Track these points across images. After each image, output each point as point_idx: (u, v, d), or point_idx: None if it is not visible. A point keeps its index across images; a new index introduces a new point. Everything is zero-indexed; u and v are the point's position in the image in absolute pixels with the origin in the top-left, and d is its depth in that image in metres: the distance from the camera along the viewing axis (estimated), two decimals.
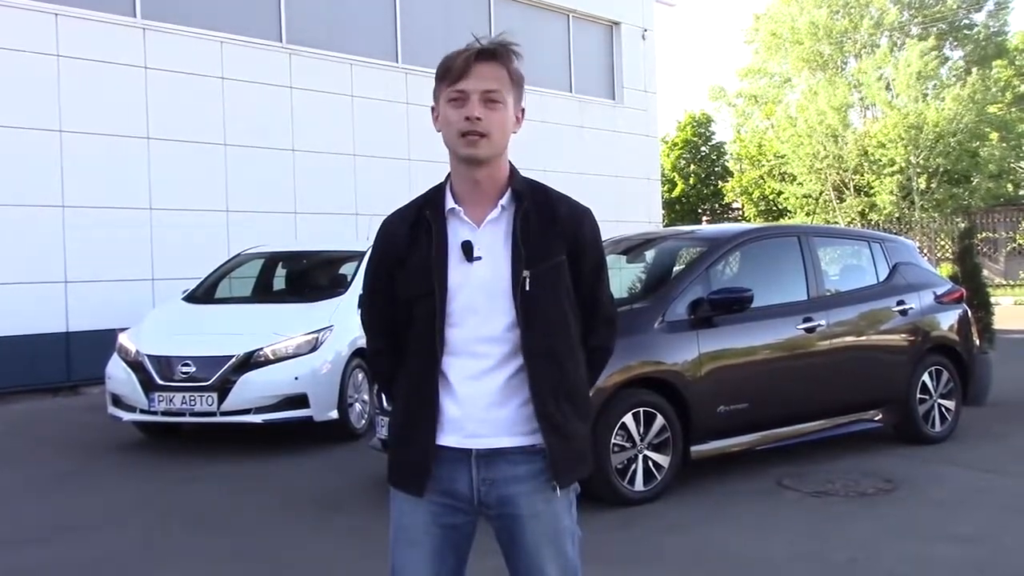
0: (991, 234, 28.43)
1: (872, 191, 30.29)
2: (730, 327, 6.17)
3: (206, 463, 7.30)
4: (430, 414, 2.25)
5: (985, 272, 10.42)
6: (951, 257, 16.34)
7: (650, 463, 5.76)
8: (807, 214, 32.41)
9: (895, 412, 7.07)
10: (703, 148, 39.29)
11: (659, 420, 5.78)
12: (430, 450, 2.25)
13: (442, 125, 2.27)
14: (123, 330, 8.34)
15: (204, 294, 9.13)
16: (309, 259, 10.09)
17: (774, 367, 6.39)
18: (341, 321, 7.90)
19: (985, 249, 27.49)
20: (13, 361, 11.00)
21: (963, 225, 21.35)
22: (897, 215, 29.42)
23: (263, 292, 9.44)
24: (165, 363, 7.54)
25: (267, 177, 13.63)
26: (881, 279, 7.35)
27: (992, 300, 9.64)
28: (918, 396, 7.15)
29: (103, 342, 9.41)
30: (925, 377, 7.21)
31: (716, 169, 39.01)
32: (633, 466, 5.69)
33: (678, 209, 37.37)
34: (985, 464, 6.59)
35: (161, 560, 4.99)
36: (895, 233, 22.15)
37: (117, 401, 7.86)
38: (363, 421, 8.10)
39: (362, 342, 2.83)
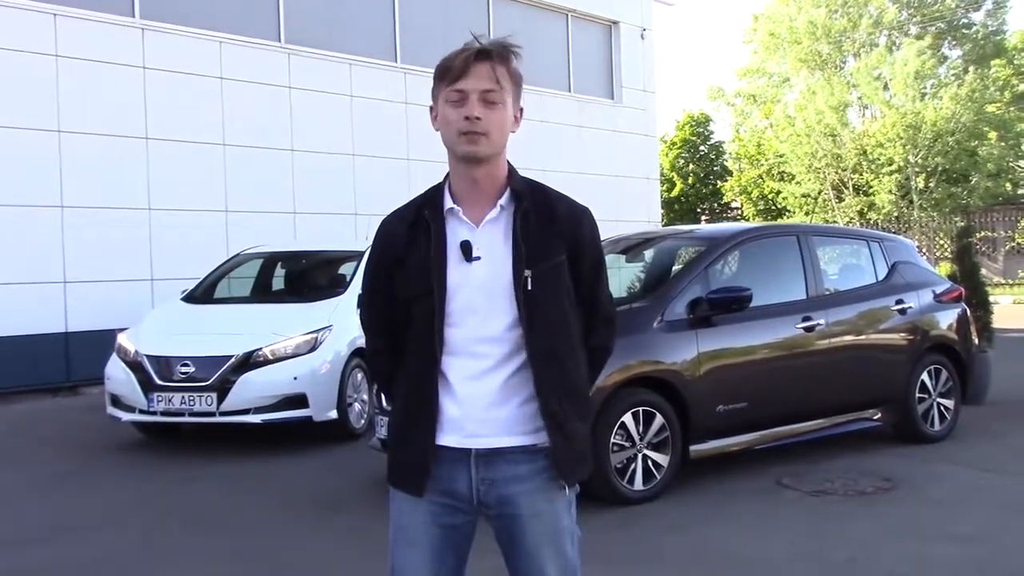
0: (990, 233, 28.45)
1: (871, 190, 30.31)
2: (729, 326, 6.17)
3: (205, 463, 7.30)
4: (429, 414, 2.25)
5: (984, 271, 10.41)
6: (950, 256, 16.34)
7: (649, 462, 5.76)
8: (806, 213, 32.43)
9: (894, 411, 7.07)
10: (702, 148, 39.32)
11: (658, 419, 5.78)
12: (429, 450, 2.25)
13: (441, 124, 2.27)
14: (122, 330, 8.34)
15: (203, 294, 9.13)
16: (308, 259, 10.09)
17: (773, 366, 6.40)
18: (340, 321, 7.90)
19: (984, 248, 27.51)
20: (13, 361, 11.00)
21: (961, 224, 21.34)
22: (896, 214, 29.44)
23: (262, 292, 9.44)
24: (164, 363, 7.54)
25: (266, 177, 13.63)
26: (880, 278, 7.35)
27: (991, 299, 9.64)
28: (917, 395, 7.16)
29: (102, 342, 9.41)
30: (924, 376, 7.21)
31: (715, 168, 39.04)
32: (632, 465, 5.70)
33: (677, 209, 37.39)
34: (984, 463, 6.59)
35: (161, 560, 4.99)
36: (894, 232, 22.15)
37: (116, 401, 7.86)
38: (362, 421, 8.10)
39: (361, 342, 2.83)
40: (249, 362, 7.49)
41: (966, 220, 25.91)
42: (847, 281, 7.47)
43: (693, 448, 5.98)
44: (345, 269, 9.16)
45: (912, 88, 28.64)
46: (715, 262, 6.51)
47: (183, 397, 7.41)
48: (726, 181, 37.83)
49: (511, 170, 2.33)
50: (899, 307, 7.20)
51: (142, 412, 7.60)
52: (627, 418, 5.66)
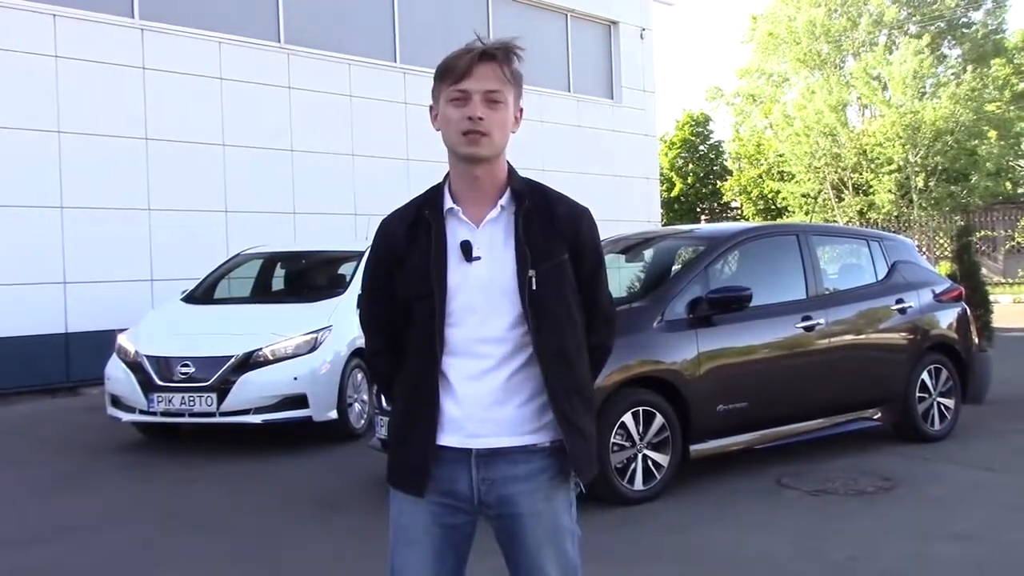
0: (990, 232, 28.45)
1: (871, 190, 30.32)
2: (729, 326, 6.17)
3: (205, 463, 7.30)
4: (430, 414, 2.25)
5: (984, 270, 10.41)
6: (950, 255, 16.36)
7: (649, 462, 5.76)
8: (806, 213, 32.44)
9: (894, 411, 7.07)
10: (701, 147, 39.33)
11: (658, 419, 5.78)
12: (430, 450, 2.25)
13: (442, 124, 2.27)
14: (122, 331, 8.34)
15: (203, 294, 9.13)
16: (308, 259, 10.09)
17: (773, 366, 6.39)
18: (340, 321, 7.90)
19: (984, 247, 27.52)
20: (12, 362, 11.00)
21: (961, 223, 21.35)
22: (896, 214, 29.44)
23: (262, 292, 9.44)
24: (164, 364, 7.54)
25: (266, 177, 13.63)
26: (880, 278, 7.35)
27: (991, 298, 9.64)
28: (917, 394, 7.15)
29: (102, 343, 9.41)
30: (924, 375, 7.21)
31: (715, 168, 39.05)
32: (632, 465, 5.69)
33: (677, 208, 37.41)
34: (984, 462, 6.59)
35: (161, 560, 4.99)
36: (894, 232, 22.15)
37: (116, 402, 7.86)
38: (362, 421, 8.10)
39: (361, 342, 2.83)
40: (249, 362, 7.49)
41: (966, 219, 25.92)
42: (847, 280, 7.47)
43: (693, 448, 5.98)
44: (345, 269, 9.16)
45: (910, 88, 28.65)
46: (715, 262, 6.51)
47: (183, 397, 7.41)
48: (726, 181, 37.85)
49: (511, 170, 2.33)
50: (899, 306, 7.20)
51: (142, 412, 7.60)
52: (627, 418, 5.66)
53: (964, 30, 32.11)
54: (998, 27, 31.93)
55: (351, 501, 6.05)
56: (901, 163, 29.08)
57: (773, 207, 35.51)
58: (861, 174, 30.57)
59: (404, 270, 2.28)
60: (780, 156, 33.01)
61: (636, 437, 5.70)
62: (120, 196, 12.13)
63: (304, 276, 9.85)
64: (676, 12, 65.65)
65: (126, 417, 7.78)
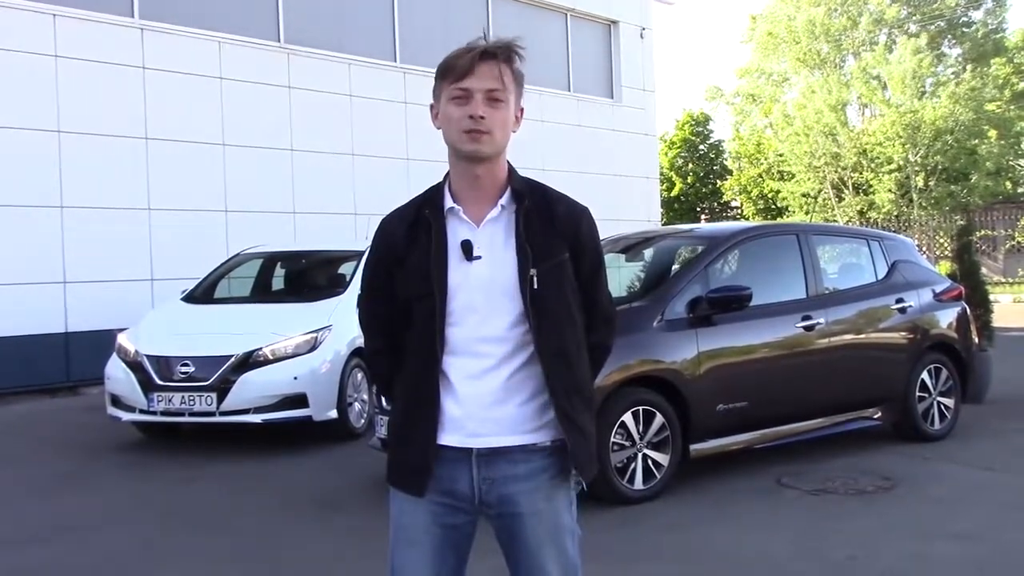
0: (990, 232, 28.46)
1: (871, 189, 30.32)
2: (729, 325, 6.17)
3: (205, 463, 7.30)
4: (431, 414, 2.25)
5: (984, 270, 10.41)
6: (950, 255, 16.35)
7: (649, 462, 5.76)
8: (806, 212, 32.45)
9: (894, 410, 7.07)
10: (701, 147, 39.32)
11: (658, 419, 5.78)
12: (431, 450, 2.25)
13: (443, 122, 2.27)
14: (122, 330, 8.34)
15: (203, 294, 9.13)
16: (308, 259, 10.09)
17: (773, 365, 6.39)
18: (340, 321, 7.89)
19: (984, 247, 27.54)
20: (12, 362, 11.00)
21: (962, 223, 21.35)
22: (896, 213, 29.45)
23: (262, 292, 9.44)
24: (164, 363, 7.54)
25: (265, 177, 13.63)
26: (880, 277, 7.35)
27: (991, 298, 9.64)
28: (917, 394, 7.15)
29: (102, 342, 9.41)
30: (924, 375, 7.21)
31: (715, 168, 39.05)
32: (632, 465, 5.69)
33: (677, 208, 37.41)
34: (984, 462, 6.59)
35: (161, 560, 4.99)
36: (894, 231, 22.16)
37: (116, 401, 7.86)
38: (362, 420, 8.10)
39: (361, 341, 2.82)
40: (249, 362, 7.49)
41: (966, 219, 25.92)
42: (847, 280, 7.47)
43: (693, 447, 5.98)
44: (345, 269, 9.16)
45: (909, 87, 28.65)
46: (715, 261, 6.50)
47: (183, 397, 7.41)
48: (726, 180, 37.85)
49: (511, 170, 2.33)
50: (899, 306, 7.20)
51: (142, 412, 7.60)
52: (627, 417, 5.66)
53: (964, 29, 32.11)
54: (998, 26, 31.94)
55: (351, 501, 6.05)
56: (901, 162, 29.07)
57: (773, 207, 35.51)
58: (861, 173, 30.58)
59: (404, 270, 2.28)
60: (780, 156, 33.01)
61: (636, 436, 5.70)
62: (120, 196, 12.13)
63: (304, 276, 9.85)
64: (676, 11, 65.71)
65: (126, 417, 7.78)
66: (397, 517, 2.35)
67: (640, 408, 5.72)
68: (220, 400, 7.37)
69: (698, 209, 38.78)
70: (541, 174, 2.72)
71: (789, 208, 33.97)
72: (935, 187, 29.24)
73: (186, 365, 7.47)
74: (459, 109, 2.21)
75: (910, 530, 5.08)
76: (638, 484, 5.70)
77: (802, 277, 6.78)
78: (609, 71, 19.76)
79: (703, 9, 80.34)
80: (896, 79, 28.87)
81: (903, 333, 7.20)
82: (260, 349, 7.54)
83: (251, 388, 7.42)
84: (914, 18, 31.82)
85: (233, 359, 7.46)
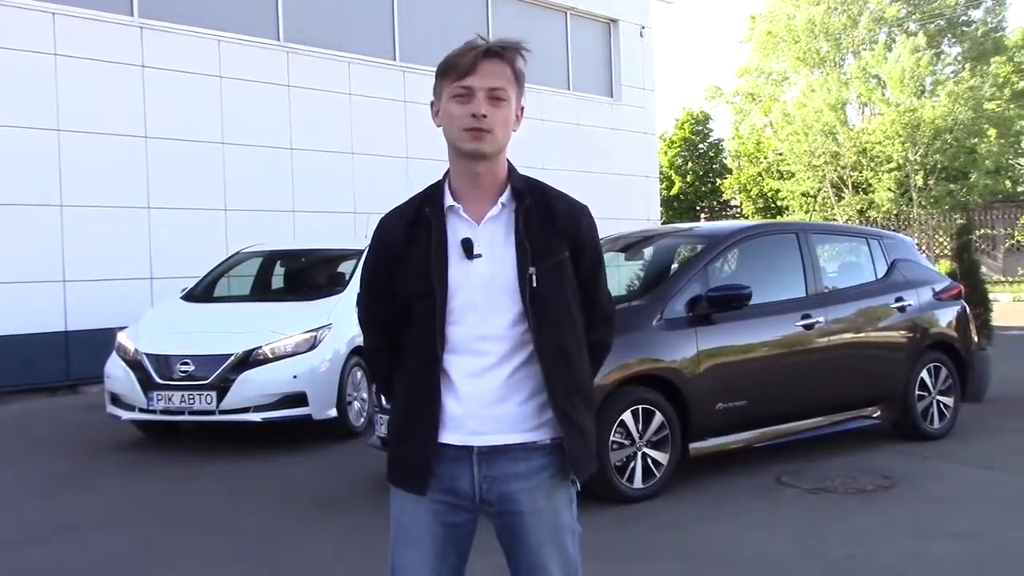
0: (989, 231, 28.47)
1: (870, 188, 30.32)
2: (728, 324, 6.17)
3: (205, 462, 7.30)
4: (431, 412, 2.25)
5: (983, 269, 10.41)
6: (949, 254, 16.35)
7: (649, 460, 5.76)
8: (805, 212, 32.45)
9: (894, 409, 7.07)
10: (701, 146, 39.31)
11: (658, 417, 5.78)
12: (431, 448, 2.25)
13: (443, 120, 2.26)
14: (122, 329, 8.33)
15: (202, 293, 9.13)
16: (307, 257, 10.09)
17: (773, 364, 6.40)
18: (340, 319, 7.89)
19: (983, 246, 27.53)
20: (12, 361, 10.99)
21: (961, 222, 21.35)
22: (895, 212, 29.45)
23: (261, 290, 9.43)
24: (164, 362, 7.54)
25: (265, 175, 13.63)
26: (879, 276, 7.35)
27: (990, 296, 9.64)
28: (917, 393, 7.15)
29: (102, 341, 9.41)
30: (924, 374, 7.21)
31: (714, 167, 39.04)
32: (632, 463, 5.70)
33: (676, 207, 37.40)
34: (984, 460, 6.60)
35: (161, 560, 4.99)
36: (893, 230, 22.16)
37: (116, 400, 7.86)
38: (362, 419, 8.10)
39: (361, 340, 2.82)
40: (249, 360, 7.49)
41: (966, 217, 25.94)
42: (846, 279, 7.47)
43: (693, 446, 5.98)
44: (344, 267, 9.16)
45: (908, 87, 28.65)
46: (714, 260, 6.50)
47: (183, 396, 7.41)
48: (725, 179, 37.84)
49: (511, 168, 2.33)
50: (899, 305, 7.20)
51: (142, 411, 7.60)
52: (627, 416, 5.66)
53: (964, 28, 32.12)
54: (998, 25, 31.97)
55: (351, 500, 6.05)
56: (900, 161, 29.08)
57: (773, 205, 35.51)
58: (861, 172, 30.58)
59: (404, 268, 2.28)
60: (779, 155, 33.01)
61: (636, 435, 5.70)
62: (120, 194, 12.12)
63: (304, 274, 9.85)
64: (676, 10, 65.69)
65: (126, 415, 7.78)
66: (398, 516, 2.34)
67: (640, 407, 5.72)
68: (220, 399, 7.37)
69: (697, 208, 38.78)
70: (541, 173, 2.72)
71: (789, 207, 33.97)
72: (934, 186, 29.25)
73: (186, 364, 7.47)
74: (461, 107, 2.21)
75: (909, 529, 5.08)
76: (638, 483, 5.70)
77: (802, 276, 6.78)
78: (609, 70, 19.76)
79: (703, 8, 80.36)
80: (894, 78, 28.87)
81: (903, 332, 7.20)
82: (260, 348, 7.54)
83: (251, 387, 7.42)
84: (914, 17, 31.82)
85: (233, 358, 7.46)
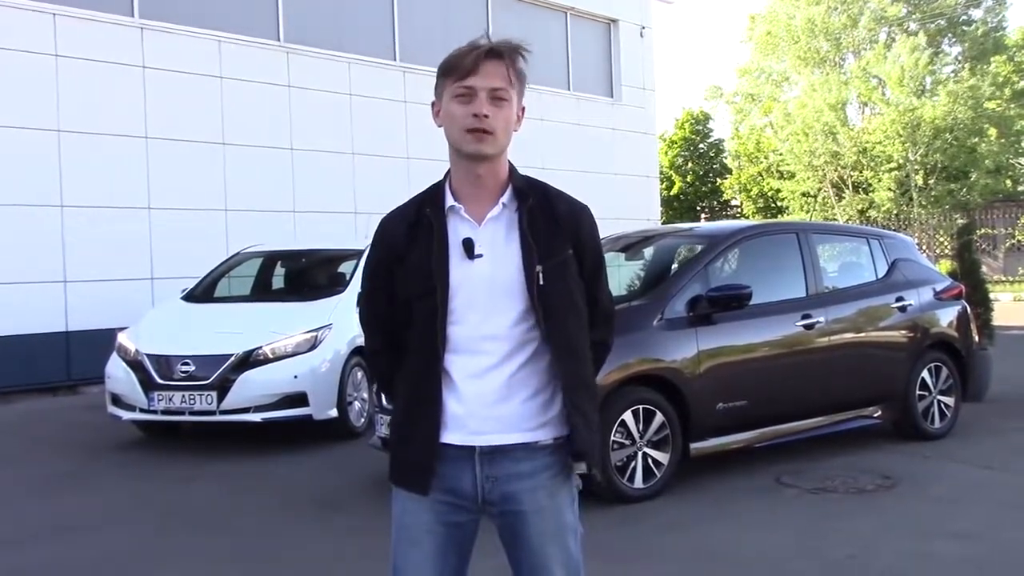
0: (990, 230, 28.47)
1: (870, 188, 30.32)
2: (729, 324, 6.17)
3: (206, 462, 7.30)
4: (433, 412, 2.25)
5: (984, 268, 10.41)
6: (950, 253, 16.36)
7: (649, 460, 5.76)
8: (806, 212, 32.45)
9: (894, 408, 7.07)
10: (701, 146, 39.30)
11: (658, 417, 5.78)
12: (433, 448, 2.25)
13: (445, 120, 2.26)
14: (122, 329, 8.34)
15: (203, 293, 9.13)
16: (308, 258, 10.09)
17: (773, 364, 6.40)
18: (340, 319, 7.90)
19: (984, 245, 27.53)
20: (12, 361, 10.99)
21: (962, 221, 21.35)
22: (896, 212, 29.45)
23: (262, 291, 9.44)
24: (164, 362, 7.54)
25: (265, 176, 13.63)
26: (880, 276, 7.35)
27: (991, 296, 9.64)
28: (917, 392, 7.15)
29: (102, 341, 9.40)
30: (924, 373, 7.21)
31: (714, 166, 39.04)
32: (632, 463, 5.70)
33: (676, 207, 37.40)
34: (984, 460, 6.60)
35: (161, 560, 4.99)
36: (894, 230, 22.16)
37: (116, 400, 7.86)
38: (363, 419, 8.10)
39: (361, 340, 2.82)
40: (249, 361, 7.49)
41: (966, 217, 25.93)
42: (847, 279, 7.47)
43: (693, 446, 5.98)
44: (345, 268, 9.16)
45: (907, 86, 28.65)
46: (715, 260, 6.50)
47: (183, 396, 7.41)
48: (725, 179, 37.84)
49: (511, 168, 2.33)
50: (899, 304, 7.20)
51: (142, 411, 7.60)
52: (627, 416, 5.66)
53: (964, 27, 32.12)
54: (998, 24, 31.96)
55: (351, 500, 6.05)
56: (901, 161, 29.07)
57: (773, 205, 35.51)
58: (861, 172, 30.58)
59: (405, 268, 2.28)
60: (779, 155, 33.01)
61: (636, 435, 5.70)
62: (120, 195, 12.13)
63: (304, 274, 9.85)
64: (676, 10, 65.65)
65: (126, 416, 7.78)
66: (399, 516, 2.34)
67: (640, 407, 5.72)
68: (220, 399, 7.38)
69: (698, 208, 38.78)
70: (541, 173, 2.71)
71: (789, 207, 33.97)
72: (935, 185, 29.24)
73: (186, 364, 7.47)
74: (463, 107, 2.21)
75: (910, 529, 5.08)
76: (638, 483, 5.71)
77: (802, 276, 6.78)
78: (609, 70, 19.76)
79: (703, 8, 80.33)
80: (894, 78, 28.87)
81: (903, 332, 7.20)
82: (260, 348, 7.54)
83: (251, 387, 7.42)
84: (914, 16, 31.82)
85: (233, 358, 7.46)
